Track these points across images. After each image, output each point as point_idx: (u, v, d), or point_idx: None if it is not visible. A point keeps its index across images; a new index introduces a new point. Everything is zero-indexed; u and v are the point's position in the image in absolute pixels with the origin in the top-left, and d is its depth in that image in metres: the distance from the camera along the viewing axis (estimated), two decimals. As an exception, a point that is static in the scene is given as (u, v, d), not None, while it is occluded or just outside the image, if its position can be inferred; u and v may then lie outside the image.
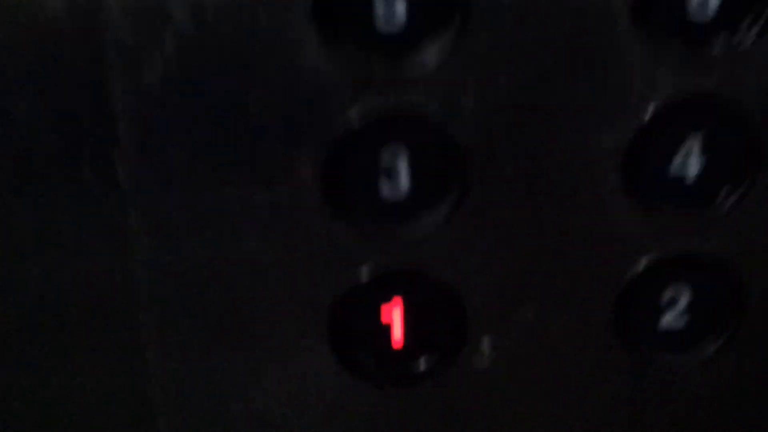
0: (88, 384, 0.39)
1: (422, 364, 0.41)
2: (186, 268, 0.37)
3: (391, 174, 0.38)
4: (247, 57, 0.33)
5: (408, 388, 0.41)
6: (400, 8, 0.33)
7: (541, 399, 0.42)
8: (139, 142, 0.34)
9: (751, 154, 0.37)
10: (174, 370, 0.39)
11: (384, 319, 0.40)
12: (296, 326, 0.39)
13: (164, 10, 0.32)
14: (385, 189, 0.38)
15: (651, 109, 0.36)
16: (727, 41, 0.35)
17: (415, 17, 0.34)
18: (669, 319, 0.42)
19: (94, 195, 0.34)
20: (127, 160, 0.34)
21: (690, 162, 0.37)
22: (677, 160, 0.38)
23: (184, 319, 0.38)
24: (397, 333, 0.40)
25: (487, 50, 0.34)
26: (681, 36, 0.35)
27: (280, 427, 0.41)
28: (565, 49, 0.35)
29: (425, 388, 0.41)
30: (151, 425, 0.39)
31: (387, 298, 0.39)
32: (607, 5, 0.34)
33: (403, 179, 0.38)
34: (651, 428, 0.43)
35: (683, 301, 0.41)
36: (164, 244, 0.37)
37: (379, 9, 0.33)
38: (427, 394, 0.41)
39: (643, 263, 0.40)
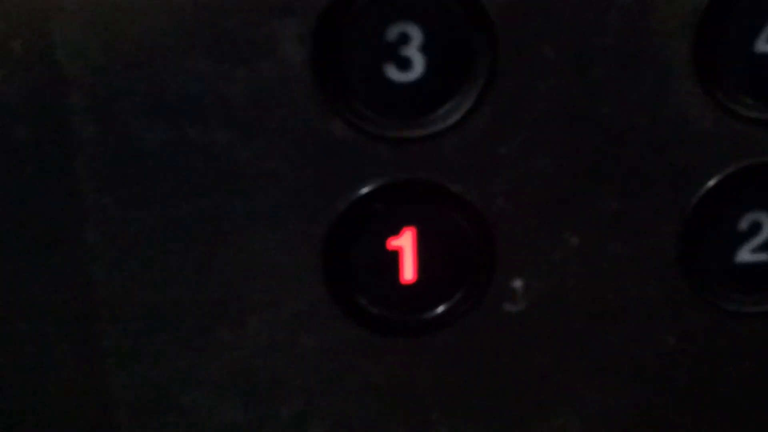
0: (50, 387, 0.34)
1: (438, 308, 0.34)
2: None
3: (400, 53, 0.31)
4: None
5: (419, 338, 0.34)
6: None
7: (584, 354, 0.35)
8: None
9: None
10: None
11: (390, 247, 0.33)
12: (286, 261, 0.33)
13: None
14: (392, 70, 0.30)
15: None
16: None
17: None
18: (748, 251, 0.35)
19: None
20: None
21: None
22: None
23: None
24: (408, 265, 0.34)
25: None
26: None
27: (267, 383, 0.34)
28: None
29: (441, 338, 0.35)
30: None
31: (395, 220, 0.33)
32: None
33: (415, 58, 0.30)
34: (720, 392, 0.37)
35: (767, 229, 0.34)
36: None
37: None
38: (443, 346, 0.35)
39: (715, 178, 0.33)
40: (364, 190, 0.32)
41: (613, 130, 0.32)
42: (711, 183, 0.33)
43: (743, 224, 0.34)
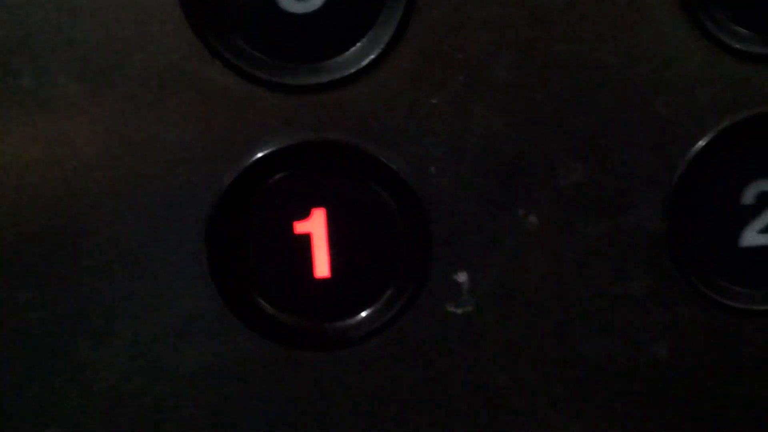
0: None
1: (361, 312, 0.28)
2: None
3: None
4: None
5: (338, 351, 0.28)
6: None
7: (548, 367, 0.29)
8: None
9: None
10: None
11: (297, 232, 0.27)
12: (160, 253, 0.27)
13: None
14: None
15: None
16: None
17: None
18: (755, 231, 0.28)
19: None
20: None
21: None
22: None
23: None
24: (321, 256, 0.27)
25: None
26: None
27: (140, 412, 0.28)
28: None
29: (366, 351, 0.28)
30: None
31: (300, 196, 0.27)
32: None
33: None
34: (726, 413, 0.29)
35: (777, 203, 0.28)
36: None
37: None
38: (368, 360, 0.28)
39: (708, 135, 0.27)
40: (257, 155, 0.26)
41: (576, 75, 0.27)
42: (702, 142, 0.27)
43: (747, 196, 0.28)
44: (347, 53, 0.26)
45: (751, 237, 0.28)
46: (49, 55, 0.25)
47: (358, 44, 0.26)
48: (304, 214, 0.27)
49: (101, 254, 0.27)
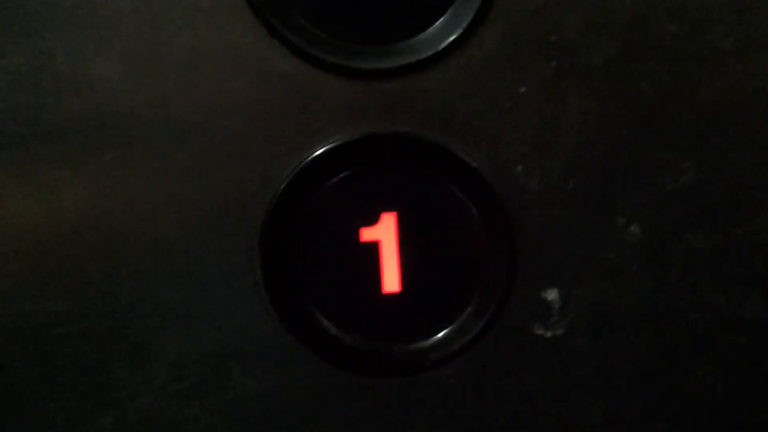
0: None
1: (436, 334, 0.25)
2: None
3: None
4: None
5: (409, 377, 0.25)
6: None
7: (656, 400, 0.25)
8: None
9: None
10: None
11: (363, 239, 0.24)
12: (209, 265, 0.24)
13: None
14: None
15: None
16: None
17: None
18: None
19: None
20: None
21: None
22: None
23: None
24: (390, 269, 0.24)
25: None
26: None
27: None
28: None
29: (441, 378, 0.25)
30: None
31: (367, 199, 0.24)
32: None
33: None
34: None
35: None
36: None
37: None
38: (443, 388, 0.25)
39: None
40: (318, 150, 0.23)
41: (684, 60, 0.24)
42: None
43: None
44: (423, 35, 0.24)
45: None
46: (88, 34, 0.23)
47: (436, 24, 0.24)
48: (372, 219, 0.25)
49: (140, 261, 0.24)
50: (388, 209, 0.24)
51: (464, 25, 0.23)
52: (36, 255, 0.23)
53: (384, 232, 0.24)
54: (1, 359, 0.24)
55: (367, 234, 0.24)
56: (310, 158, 0.23)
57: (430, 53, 0.23)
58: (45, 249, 0.24)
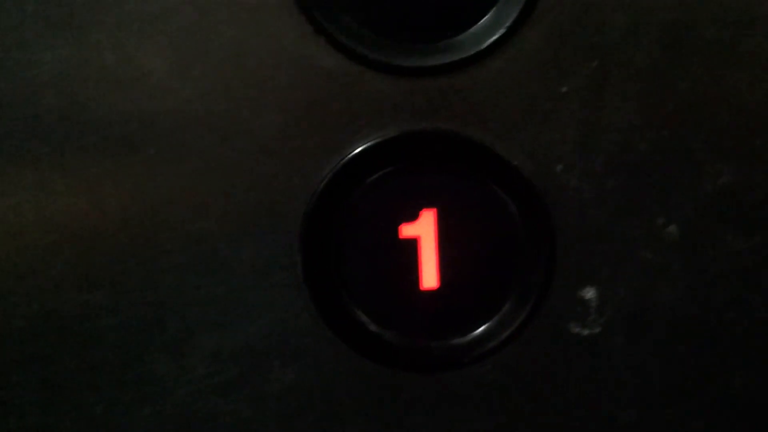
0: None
1: (474, 330, 0.25)
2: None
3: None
4: None
5: (446, 373, 0.25)
6: None
7: (691, 399, 0.26)
8: None
9: None
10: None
11: (403, 236, 0.24)
12: (249, 259, 0.24)
13: None
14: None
15: None
16: None
17: None
18: None
19: None
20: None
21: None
22: None
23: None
24: (429, 264, 0.24)
25: None
26: None
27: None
28: None
29: (478, 374, 0.25)
30: None
31: (408, 196, 0.24)
32: None
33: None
34: None
35: None
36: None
37: None
38: (480, 384, 0.25)
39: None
40: (359, 147, 0.24)
41: (725, 62, 0.24)
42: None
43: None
44: (466, 33, 0.24)
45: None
46: (134, 29, 0.23)
47: (479, 23, 0.24)
48: (412, 216, 0.25)
49: (180, 254, 0.24)
50: (428, 206, 0.24)
51: (507, 24, 0.23)
52: (79, 248, 0.24)
53: (423, 229, 0.24)
54: (44, 351, 0.24)
55: (406, 230, 0.24)
56: (351, 155, 0.23)
57: (472, 52, 0.23)
58: (88, 242, 0.24)
